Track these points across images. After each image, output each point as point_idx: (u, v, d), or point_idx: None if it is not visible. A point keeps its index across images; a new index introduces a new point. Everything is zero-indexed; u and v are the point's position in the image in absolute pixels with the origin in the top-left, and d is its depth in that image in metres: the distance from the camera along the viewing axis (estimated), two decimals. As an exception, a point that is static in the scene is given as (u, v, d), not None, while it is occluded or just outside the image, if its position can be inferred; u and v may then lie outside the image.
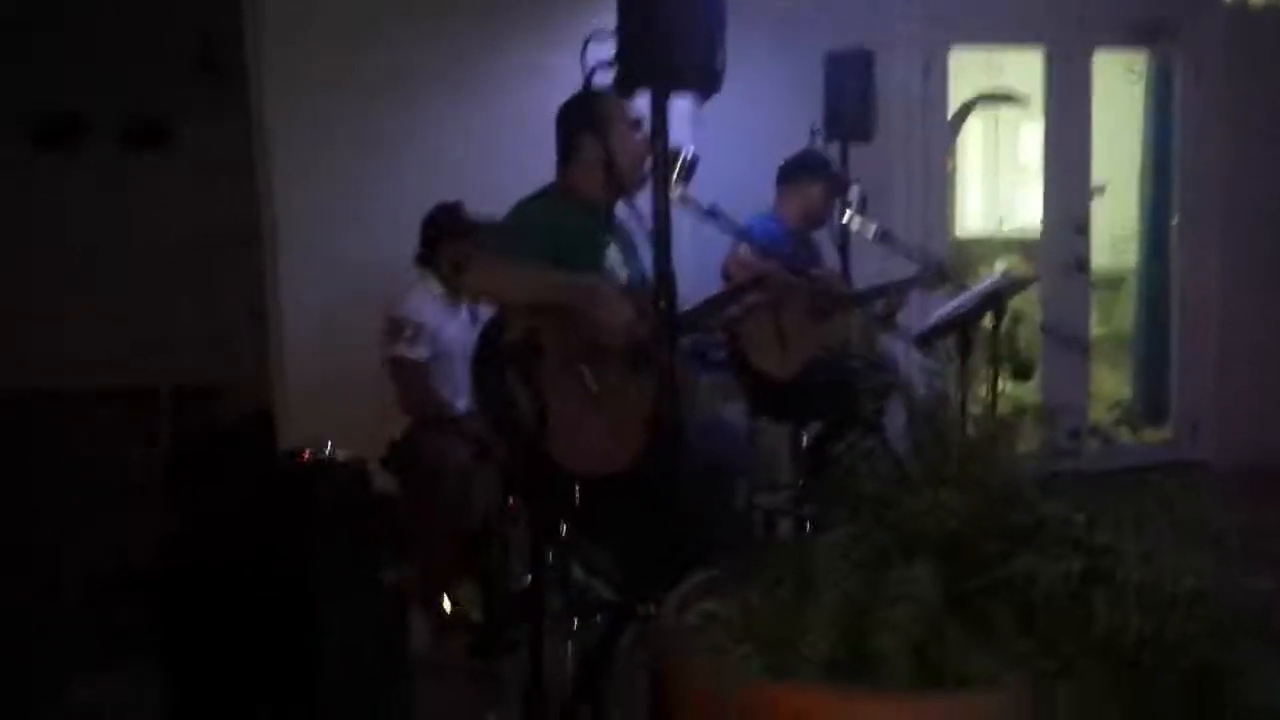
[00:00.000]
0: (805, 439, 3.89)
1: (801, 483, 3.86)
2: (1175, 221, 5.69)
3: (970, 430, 1.95)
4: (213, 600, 2.66)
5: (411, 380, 3.58)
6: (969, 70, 7.21)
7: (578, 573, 2.83)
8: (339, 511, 2.65)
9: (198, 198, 6.04)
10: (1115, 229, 6.61)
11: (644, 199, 2.55)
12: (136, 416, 5.46)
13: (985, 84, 7.87)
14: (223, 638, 2.64)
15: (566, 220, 2.80)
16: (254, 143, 4.13)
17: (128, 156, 6.55)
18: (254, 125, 4.12)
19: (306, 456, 2.72)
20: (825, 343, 3.82)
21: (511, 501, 3.06)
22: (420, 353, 3.58)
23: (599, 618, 2.76)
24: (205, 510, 2.84)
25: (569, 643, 2.76)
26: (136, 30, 6.13)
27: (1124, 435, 1.95)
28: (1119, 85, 6.24)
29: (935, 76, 5.16)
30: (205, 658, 2.68)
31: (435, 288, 3.68)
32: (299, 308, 4.10)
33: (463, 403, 3.58)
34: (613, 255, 2.88)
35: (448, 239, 3.63)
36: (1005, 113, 8.58)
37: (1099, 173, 5.67)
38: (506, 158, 3.89)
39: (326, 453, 2.72)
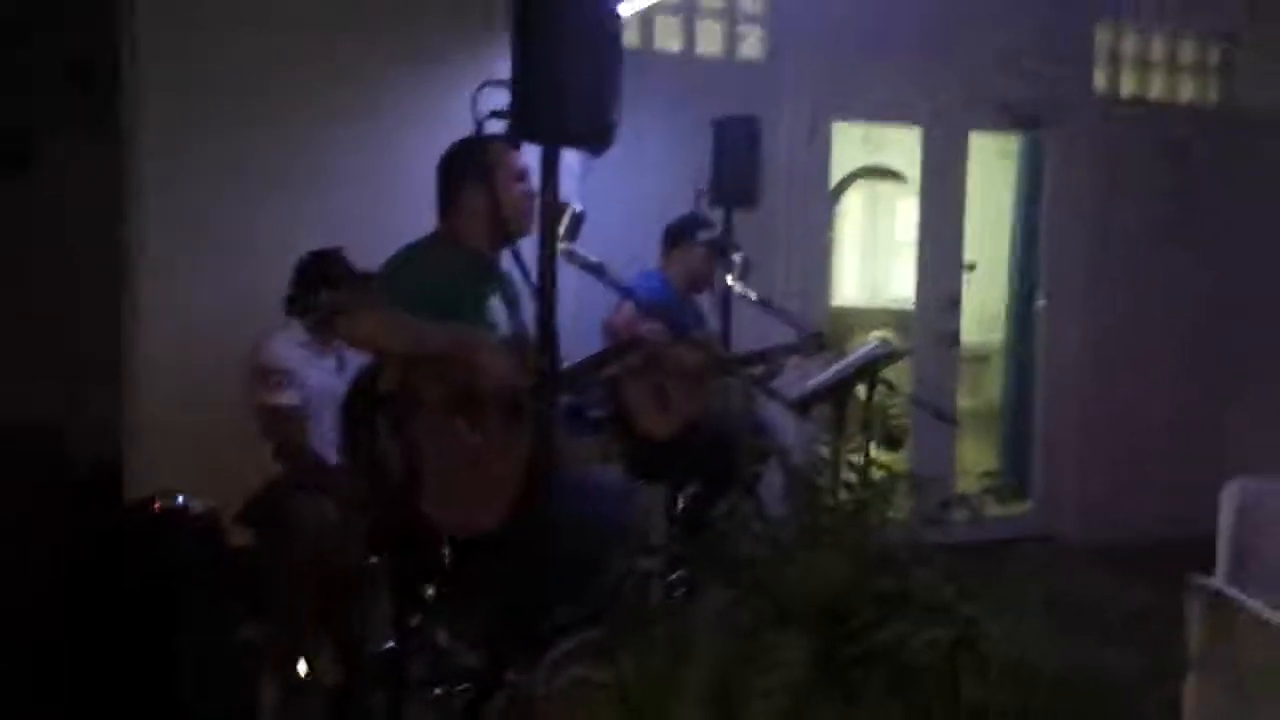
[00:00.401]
0: (681, 501, 3.87)
1: (676, 546, 3.83)
2: (1041, 301, 5.93)
3: (844, 497, 1.95)
4: (52, 656, 2.50)
5: (285, 427, 3.45)
6: (850, 144, 7.44)
7: (441, 637, 2.74)
8: (189, 567, 2.53)
9: (56, 222, 5.74)
10: (985, 306, 6.84)
11: (529, 252, 2.52)
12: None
13: (865, 158, 8.11)
14: (63, 693, 2.48)
15: (448, 269, 2.75)
16: (122, 175, 3.98)
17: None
18: (123, 158, 3.97)
19: (157, 507, 2.60)
20: (704, 405, 3.83)
21: (375, 560, 2.95)
22: (291, 398, 3.46)
23: (463, 686, 2.66)
24: (46, 562, 2.67)
25: (431, 713, 2.65)
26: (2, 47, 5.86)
27: (989, 508, 1.98)
28: (993, 166, 6.50)
29: (818, 148, 5.29)
30: (45, 714, 2.52)
31: (300, 334, 3.57)
32: (155, 346, 3.92)
33: (331, 453, 3.47)
34: (495, 306, 2.84)
35: (322, 286, 3.54)
36: (883, 188, 8.85)
37: (972, 251, 5.88)
38: (384, 203, 3.84)
39: (179, 503, 2.59)
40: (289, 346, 3.52)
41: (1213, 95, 6.11)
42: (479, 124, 2.43)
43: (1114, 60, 5.90)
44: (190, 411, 3.77)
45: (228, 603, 2.70)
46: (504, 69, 2.33)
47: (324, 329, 3.53)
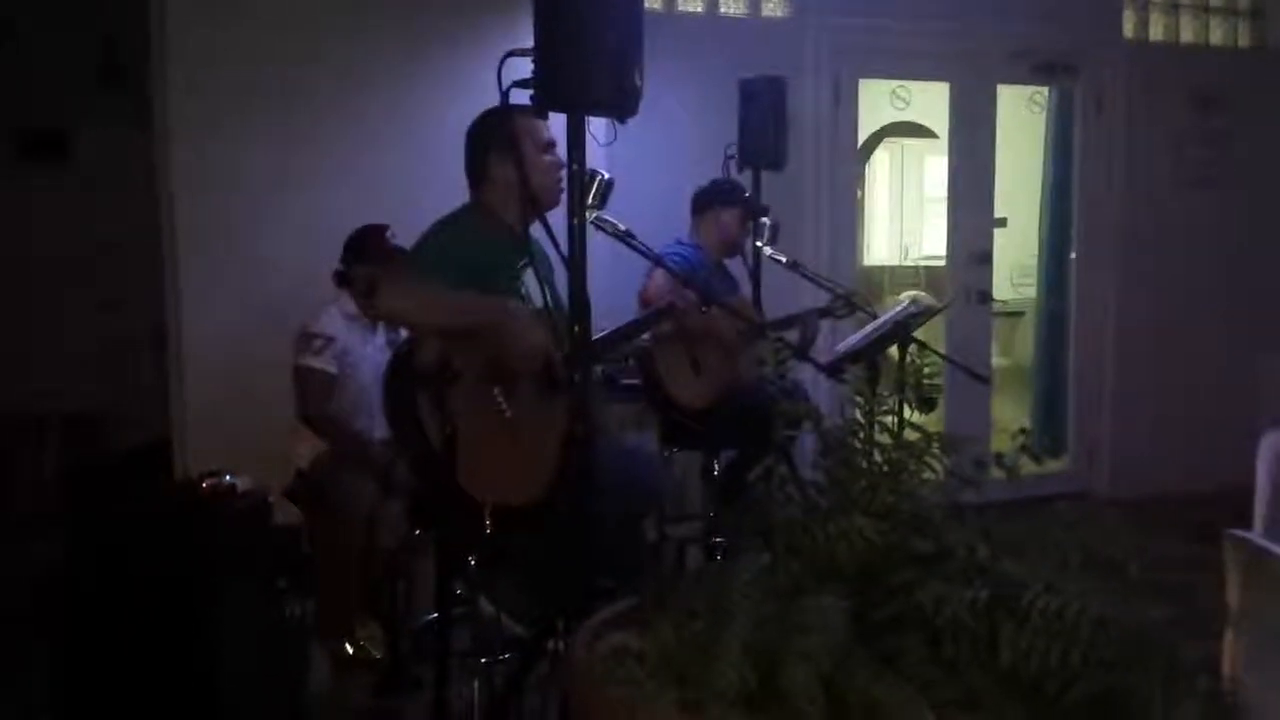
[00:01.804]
0: (717, 467, 3.89)
1: (713, 512, 3.86)
2: (1073, 255, 5.87)
3: (878, 458, 1.95)
4: (106, 633, 2.56)
5: (313, 389, 3.51)
6: (878, 101, 7.36)
7: (485, 607, 2.78)
8: (239, 544, 2.57)
9: (96, 212, 5.83)
10: (1018, 261, 6.78)
11: (559, 221, 2.52)
12: (27, 443, 5.22)
13: (894, 115, 8.02)
14: (115, 672, 2.54)
15: (482, 241, 2.76)
16: (156, 156, 4.02)
17: (23, 168, 6.29)
18: (156, 138, 4.01)
19: (206, 486, 2.64)
20: (739, 370, 3.84)
21: (419, 534, 2.99)
22: (326, 364, 3.51)
23: (507, 654, 2.70)
24: (98, 542, 2.73)
25: (476, 681, 2.70)
26: (36, 39, 5.92)
27: (1025, 465, 1.98)
28: (1023, 118, 6.42)
29: (844, 106, 5.25)
30: (98, 692, 2.58)
31: (351, 308, 3.62)
32: (200, 329, 3.98)
33: (379, 430, 3.52)
34: (528, 278, 2.85)
35: (365, 260, 3.58)
36: (912, 144, 8.76)
37: (1003, 206, 5.81)
38: (416, 173, 3.86)
39: (227, 482, 2.64)
40: (337, 318, 3.58)
41: (1244, 38, 6.00)
42: (504, 94, 2.42)
43: (1143, 4, 5.80)
44: (237, 391, 3.83)
45: (275, 580, 2.75)
46: (530, 38, 2.34)
47: (362, 303, 3.59)
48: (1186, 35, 5.90)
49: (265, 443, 3.52)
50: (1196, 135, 5.72)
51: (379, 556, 3.27)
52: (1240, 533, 2.24)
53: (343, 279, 3.66)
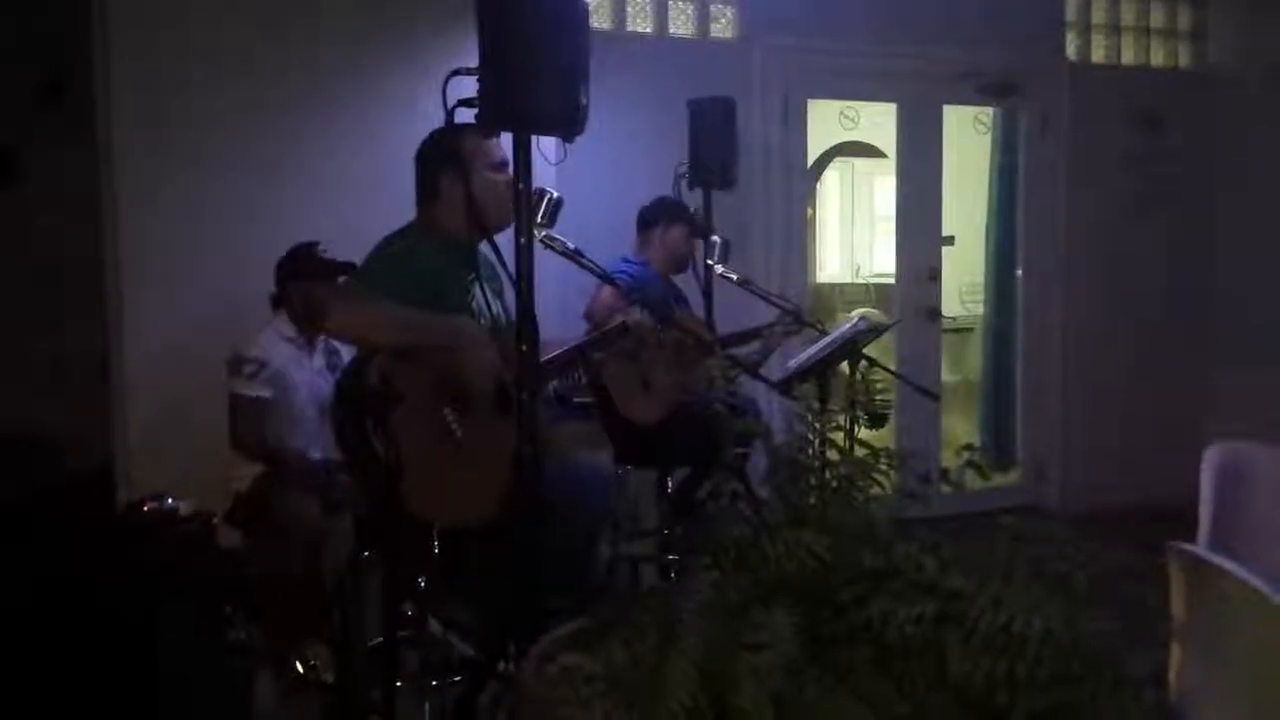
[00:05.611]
0: (670, 484, 3.89)
1: (668, 529, 3.85)
2: (1019, 272, 5.95)
3: (828, 475, 1.96)
4: (47, 659, 2.50)
5: (246, 417, 3.44)
6: (827, 121, 7.44)
7: (435, 628, 2.74)
8: (182, 568, 2.53)
9: (37, 233, 5.73)
10: (965, 279, 6.86)
11: (506, 239, 2.52)
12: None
13: (843, 135, 8.11)
14: (57, 698, 2.48)
15: (430, 259, 2.74)
16: (100, 177, 3.96)
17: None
18: (101, 158, 3.95)
19: (148, 510, 2.60)
20: (689, 387, 3.84)
21: (367, 555, 2.96)
22: (260, 390, 3.45)
23: (458, 676, 2.67)
24: (40, 566, 2.67)
25: (426, 703, 2.66)
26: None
27: (973, 480, 2.00)
28: (969, 138, 6.51)
29: (793, 126, 5.29)
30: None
31: (287, 329, 3.56)
32: (143, 350, 3.91)
33: (317, 451, 3.47)
34: (478, 295, 2.83)
35: (303, 279, 3.54)
36: (861, 164, 8.85)
37: (951, 224, 5.88)
38: (363, 194, 3.84)
39: (169, 505, 2.59)
40: (273, 340, 3.52)
41: (1185, 59, 6.13)
42: (449, 113, 2.42)
43: (1085, 26, 5.92)
44: (179, 416, 3.77)
45: (220, 604, 2.70)
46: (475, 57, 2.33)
47: (308, 322, 3.54)
48: (1128, 56, 6.03)
49: (208, 467, 3.46)
50: (1139, 154, 5.82)
51: (325, 578, 3.22)
52: (1183, 544, 2.26)
53: (278, 300, 3.60)
